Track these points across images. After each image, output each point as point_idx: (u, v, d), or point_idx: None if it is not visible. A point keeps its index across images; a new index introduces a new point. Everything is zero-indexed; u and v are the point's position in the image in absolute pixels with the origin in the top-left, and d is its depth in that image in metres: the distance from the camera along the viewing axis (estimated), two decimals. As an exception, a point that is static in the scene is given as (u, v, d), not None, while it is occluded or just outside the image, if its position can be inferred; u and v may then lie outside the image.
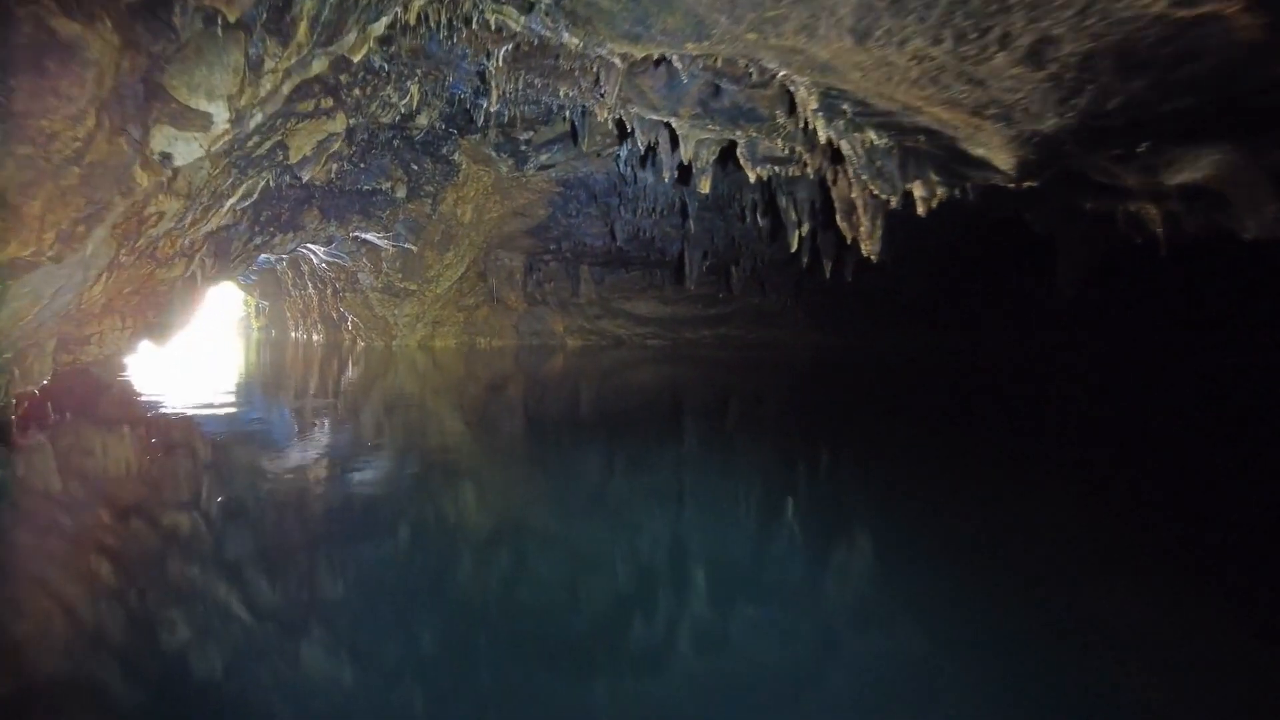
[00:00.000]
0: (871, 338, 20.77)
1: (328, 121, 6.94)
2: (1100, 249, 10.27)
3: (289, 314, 24.49)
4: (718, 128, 7.73)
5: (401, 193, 11.94)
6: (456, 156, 11.92)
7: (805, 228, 11.26)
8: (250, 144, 6.19)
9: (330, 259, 16.93)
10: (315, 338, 22.95)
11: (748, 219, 14.07)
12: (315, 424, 5.89)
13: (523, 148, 12.05)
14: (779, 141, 8.17)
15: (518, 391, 9.55)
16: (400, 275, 16.26)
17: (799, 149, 8.06)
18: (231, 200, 6.87)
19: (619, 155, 13.25)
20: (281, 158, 6.92)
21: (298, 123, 6.54)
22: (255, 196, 8.21)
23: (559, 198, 16.94)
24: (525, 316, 21.31)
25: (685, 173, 10.18)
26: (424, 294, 17.20)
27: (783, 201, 11.20)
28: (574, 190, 16.45)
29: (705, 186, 9.84)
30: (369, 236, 14.40)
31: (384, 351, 17.28)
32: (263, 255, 14.50)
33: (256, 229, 11.32)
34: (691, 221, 14.48)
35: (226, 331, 29.08)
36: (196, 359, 14.61)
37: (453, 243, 16.49)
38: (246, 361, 14.76)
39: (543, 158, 12.68)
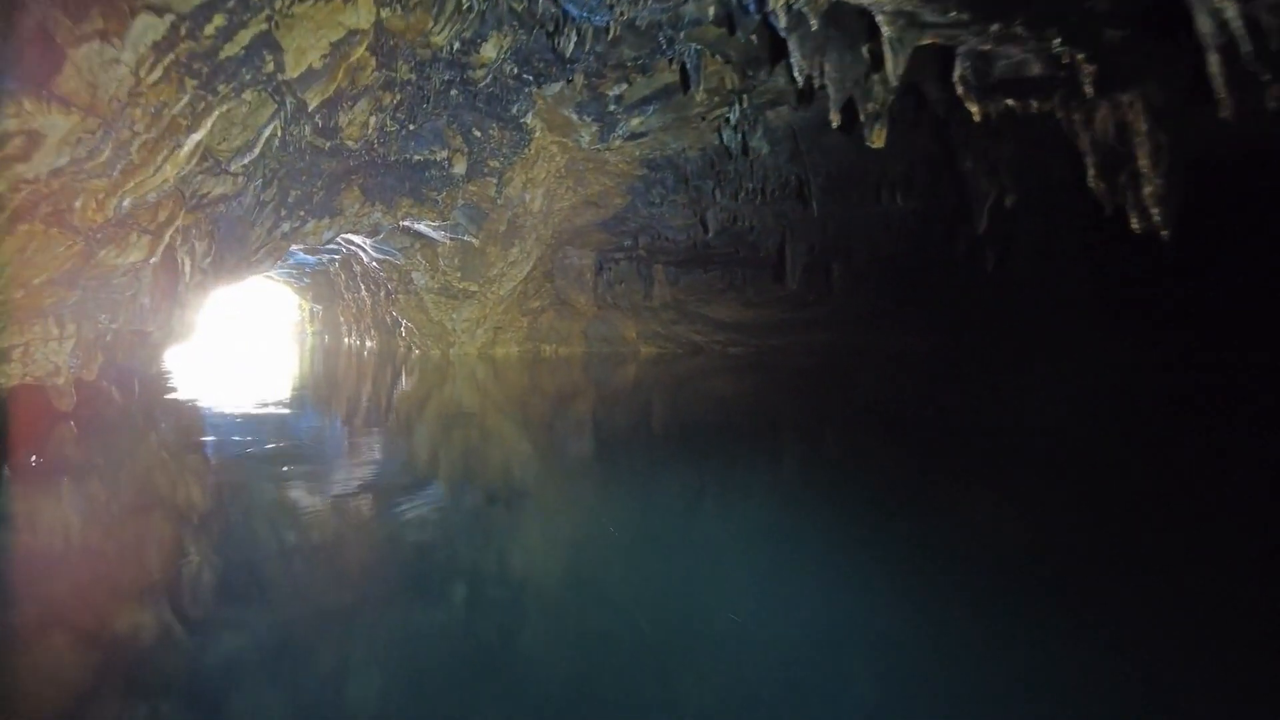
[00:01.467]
0: (1009, 345, 17.22)
1: (344, 9, 4.25)
2: None
3: (342, 318, 22.44)
4: (955, 20, 4.73)
5: (460, 167, 9.31)
6: (529, 120, 9.22)
7: (995, 200, 8.08)
8: (208, 33, 3.56)
9: (381, 256, 14.55)
10: (368, 344, 20.78)
11: (884, 198, 10.93)
12: (363, 445, 5.05)
13: (611, 107, 9.26)
14: (1035, 51, 5.09)
15: (589, 407, 7.88)
16: (459, 274, 13.74)
17: (1077, 57, 4.98)
18: (197, 136, 4.25)
19: (728, 119, 10.33)
20: (272, 67, 4.25)
21: (292, 3, 3.88)
22: (257, 151, 5.64)
23: (640, 183, 14.12)
24: (594, 321, 18.59)
25: (809, 138, 7.12)
26: (485, 296, 14.66)
27: (968, 165, 8.06)
28: (659, 173, 13.60)
29: (879, 139, 6.83)
30: (422, 227, 11.91)
31: (441, 360, 14.83)
32: (299, 249, 12.14)
33: (283, 213, 8.85)
34: (814, 203, 11.40)
35: (282, 336, 27.41)
36: (242, 366, 13.20)
37: (518, 236, 13.89)
38: (293, 371, 12.83)
39: (634, 122, 9.87)
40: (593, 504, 3.52)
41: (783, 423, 6.92)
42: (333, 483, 3.65)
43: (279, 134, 5.79)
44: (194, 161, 4.73)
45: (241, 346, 20.79)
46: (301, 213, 8.89)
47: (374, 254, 14.55)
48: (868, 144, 6.94)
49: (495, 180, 10.60)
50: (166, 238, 5.10)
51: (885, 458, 4.79)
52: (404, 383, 10.52)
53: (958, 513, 3.26)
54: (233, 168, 5.63)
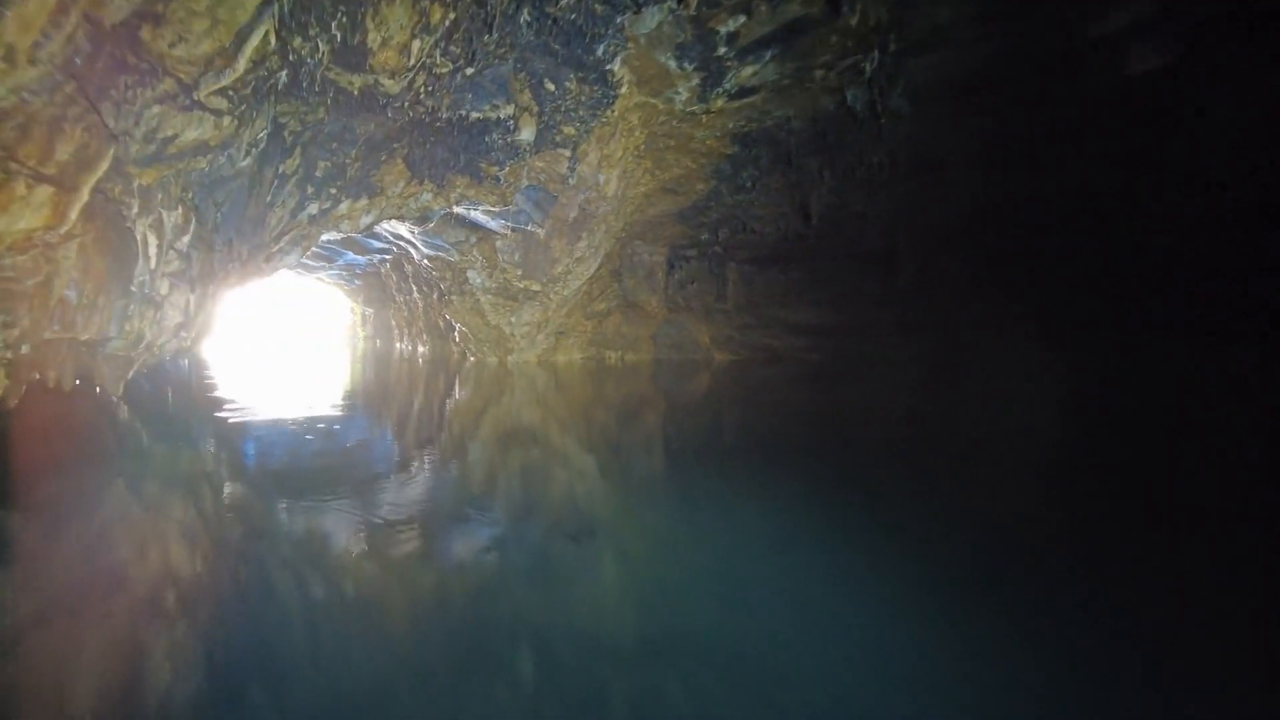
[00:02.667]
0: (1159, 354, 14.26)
1: None
2: None
3: (394, 322, 20.87)
4: None
5: (528, 131, 7.23)
6: (615, 67, 7.06)
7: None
8: None
9: (432, 252, 12.69)
10: (420, 350, 19.09)
11: (1069, 167, 8.33)
12: (411, 466, 3.99)
13: (721, 50, 7.02)
14: None
15: (663, 423, 6.57)
16: (519, 272, 11.74)
17: None
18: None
19: (861, 70, 7.94)
20: None
21: None
22: (240, 67, 3.58)
23: (727, 164, 11.83)
24: (664, 325, 16.37)
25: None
26: (547, 297, 12.63)
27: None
28: (753, 149, 11.28)
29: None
30: (479, 215, 9.94)
31: (498, 369, 12.89)
32: (334, 240, 10.31)
33: (310, 189, 6.91)
34: (957, 181, 8.86)
35: (335, 340, 26.18)
36: (289, 372, 12.20)
37: (587, 228, 11.80)
38: (340, 378, 11.34)
39: (745, 72, 7.58)
40: (674, 543, 2.80)
41: (886, 447, 5.37)
42: (376, 512, 2.96)
43: (275, 45, 3.75)
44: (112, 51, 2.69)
45: (290, 350, 19.40)
46: (333, 190, 6.95)
47: (425, 249, 12.68)
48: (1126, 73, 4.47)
49: (568, 154, 8.48)
50: (86, 193, 3.11)
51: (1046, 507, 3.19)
52: (458, 393, 8.79)
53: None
54: (206, 95, 3.62)
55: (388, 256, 19.56)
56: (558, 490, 3.69)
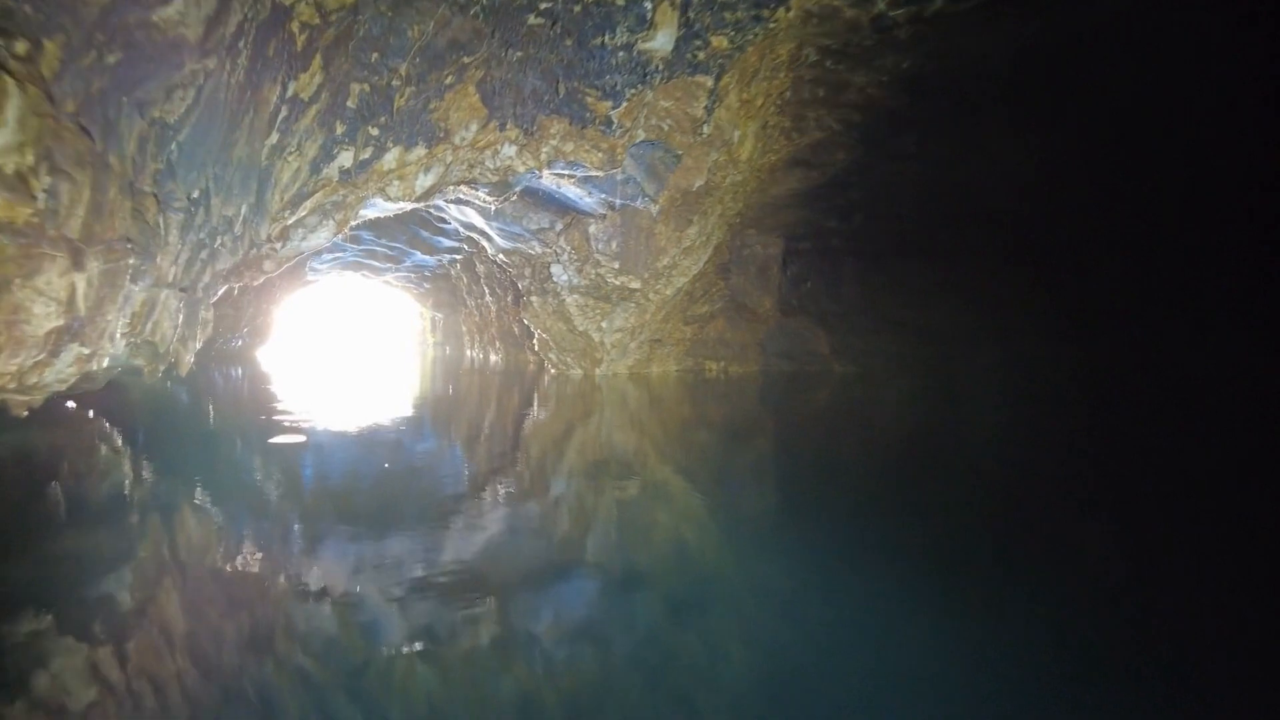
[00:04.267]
0: None
1: None
2: None
3: (464, 328, 18.83)
4: None
5: (664, 34, 4.57)
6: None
7: None
8: None
9: (509, 242, 10.30)
10: (493, 358, 16.90)
11: None
12: (482, 501, 3.18)
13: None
14: None
15: (786, 453, 4.87)
16: (617, 265, 9.18)
17: None
18: None
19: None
20: None
21: None
22: None
23: (885, 123, 8.91)
24: (775, 331, 13.47)
25: None
26: (646, 297, 10.03)
27: None
28: (930, 100, 8.34)
29: None
30: (570, 191, 7.41)
31: (583, 383, 10.42)
32: (375, 213, 8.08)
33: (339, 128, 4.52)
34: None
35: (405, 347, 24.50)
36: (351, 379, 11.02)
37: (701, 207, 9.13)
38: (406, 387, 9.89)
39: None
40: (817, 623, 1.98)
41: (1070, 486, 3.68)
42: (436, 565, 2.26)
43: None
44: None
45: (354, 359, 17.63)
46: (373, 130, 4.53)
47: (502, 241, 10.29)
48: None
49: (709, 84, 5.74)
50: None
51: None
52: (536, 410, 7.00)
53: None
54: None
55: (458, 256, 17.53)
56: (663, 541, 2.73)
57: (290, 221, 4.60)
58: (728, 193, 9.05)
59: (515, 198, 6.65)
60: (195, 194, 3.45)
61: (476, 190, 5.91)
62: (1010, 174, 10.22)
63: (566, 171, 6.29)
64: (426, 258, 17.61)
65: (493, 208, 6.67)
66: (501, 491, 3.40)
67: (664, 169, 6.89)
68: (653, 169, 6.85)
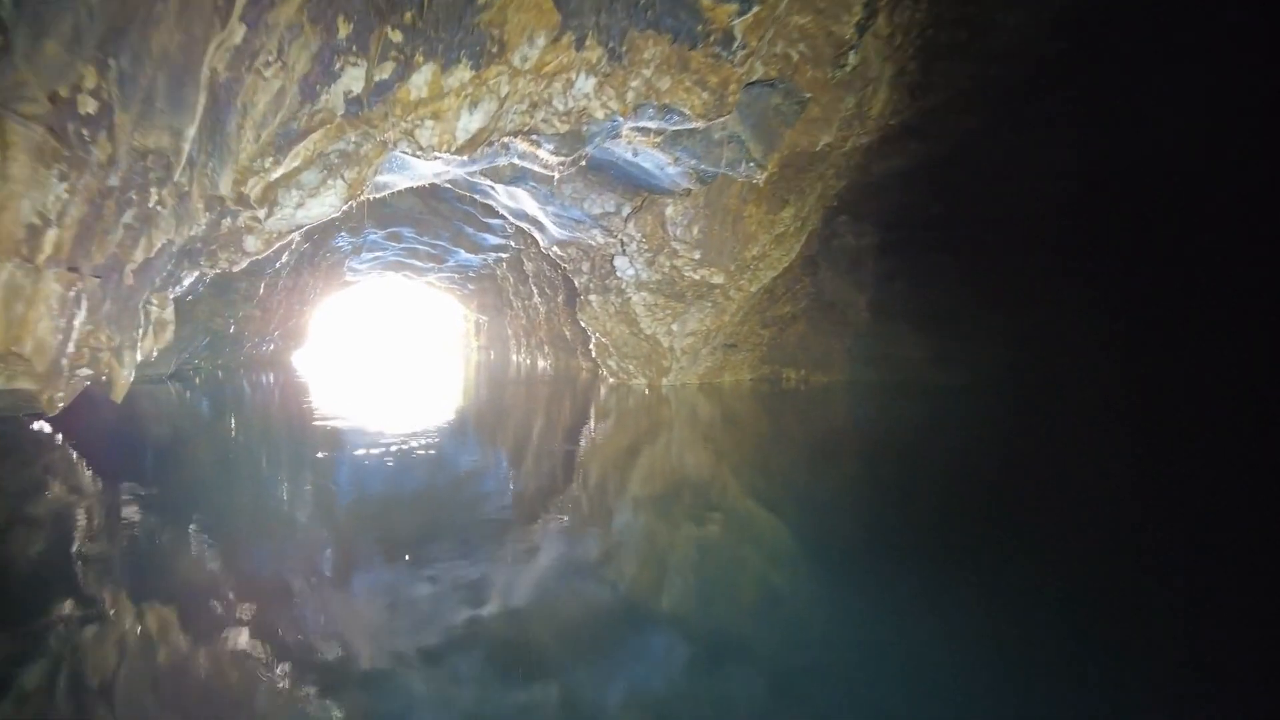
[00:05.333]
0: None
1: None
2: None
3: (510, 331, 17.44)
4: None
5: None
6: None
7: None
8: None
9: (566, 232, 8.72)
10: (541, 364, 15.43)
11: None
12: (533, 533, 2.70)
13: None
14: None
15: (899, 484, 4.01)
16: (697, 255, 7.48)
17: None
18: None
19: None
20: None
21: None
22: None
23: (1029, 75, 7.02)
24: (865, 335, 11.56)
25: None
26: (728, 295, 8.31)
27: None
28: (1092, 46, 6.43)
29: None
30: (650, 160, 5.75)
31: (648, 395, 8.79)
32: (396, 182, 6.60)
33: (340, 28, 3.01)
34: None
35: (448, 351, 23.32)
36: (387, 388, 10.06)
37: (801, 183, 7.39)
38: (446, 396, 8.99)
39: None
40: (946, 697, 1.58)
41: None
42: (480, 612, 1.87)
43: None
44: None
45: (393, 364, 16.42)
46: (394, 34, 2.98)
47: (557, 229, 8.71)
48: None
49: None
50: None
51: None
52: (595, 427, 6.02)
53: None
54: None
55: (504, 255, 16.14)
56: (755, 596, 2.18)
57: (276, 176, 3.07)
58: (835, 165, 7.26)
59: (584, 162, 5.02)
60: (67, 93, 1.90)
61: (538, 147, 4.31)
62: (1175, 152, 8.13)
63: (654, 124, 4.63)
64: (471, 256, 16.29)
65: (555, 176, 5.06)
66: (557, 525, 2.86)
67: (779, 123, 5.15)
68: (764, 123, 5.12)
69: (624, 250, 7.99)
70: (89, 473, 3.69)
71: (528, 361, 15.97)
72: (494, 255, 15.89)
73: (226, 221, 3.20)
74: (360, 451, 4.28)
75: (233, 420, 6.22)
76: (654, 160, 5.87)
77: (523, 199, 8.03)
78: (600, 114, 4.17)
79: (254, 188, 3.09)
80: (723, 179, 6.85)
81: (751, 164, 5.45)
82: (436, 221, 15.02)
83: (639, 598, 2.15)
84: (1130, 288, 10.93)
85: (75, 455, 4.28)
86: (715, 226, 7.24)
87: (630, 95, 4.16)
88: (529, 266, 13.72)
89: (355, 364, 15.55)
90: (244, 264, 3.55)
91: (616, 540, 2.75)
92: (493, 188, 8.18)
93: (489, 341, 18.87)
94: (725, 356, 10.19)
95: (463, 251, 15.85)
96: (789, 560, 2.65)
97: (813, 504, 3.50)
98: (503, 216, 12.87)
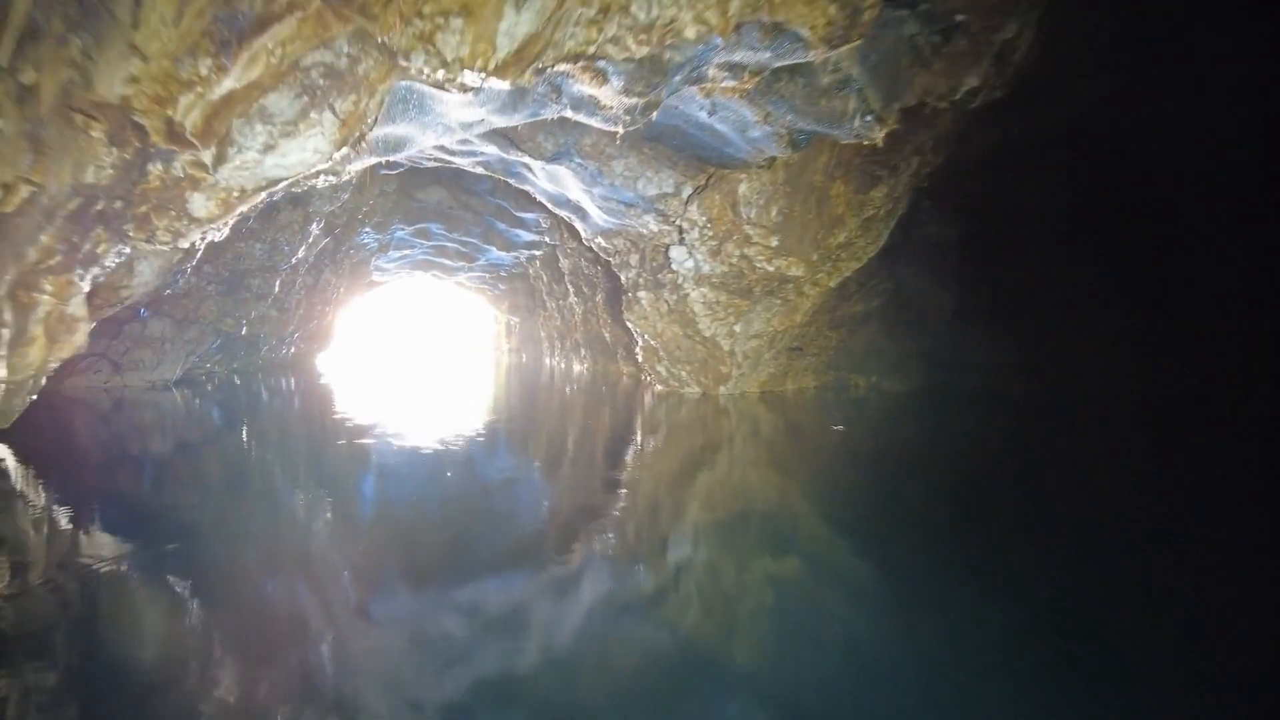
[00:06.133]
0: None
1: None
2: None
3: (543, 333, 16.37)
4: None
5: None
6: None
7: None
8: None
9: (613, 218, 7.52)
10: (577, 368, 14.30)
11: None
12: (579, 574, 2.22)
13: None
14: None
15: (1005, 515, 3.23)
16: (775, 242, 6.24)
17: None
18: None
19: None
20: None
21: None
22: None
23: (1194, 12, 5.62)
24: (941, 338, 10.16)
25: None
26: (802, 290, 7.03)
27: None
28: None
29: None
30: (734, 113, 4.55)
31: (702, 404, 7.57)
32: (410, 154, 5.45)
33: None
34: None
35: (477, 353, 22.40)
36: (413, 392, 9.19)
37: (895, 159, 6.11)
38: (476, 402, 8.03)
39: None
40: None
41: None
42: (515, 661, 1.59)
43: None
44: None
45: (421, 364, 15.48)
46: None
47: (602, 216, 7.54)
48: None
49: None
50: None
51: None
52: (643, 440, 4.98)
53: None
54: None
55: (537, 252, 15.07)
56: (838, 650, 1.72)
57: (222, 92, 1.95)
58: (937, 134, 5.96)
59: (653, 115, 3.82)
60: None
61: (603, 82, 3.13)
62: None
63: (755, 56, 3.40)
64: (503, 254, 15.25)
65: (618, 132, 3.87)
66: (610, 557, 2.29)
67: (911, 62, 3.87)
68: (890, 62, 3.86)
69: (682, 238, 6.78)
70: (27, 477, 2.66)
71: (562, 365, 14.87)
72: (527, 253, 14.84)
73: (155, 169, 2.07)
74: (384, 466, 3.61)
75: (231, 431, 5.20)
76: (736, 118, 4.65)
77: (565, 180, 6.88)
78: (691, 32, 2.97)
79: (190, 112, 1.96)
80: (809, 151, 5.60)
81: (868, 118, 4.19)
82: (467, 217, 14.00)
83: (704, 649, 1.79)
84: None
85: (18, 463, 3.25)
86: (797, 207, 5.98)
87: (735, 6, 2.94)
88: (565, 263, 12.61)
89: (381, 367, 14.61)
90: (194, 236, 2.44)
91: (676, 577, 2.31)
92: (530, 168, 7.05)
93: (520, 344, 17.85)
94: (789, 361, 8.91)
95: (494, 249, 14.83)
96: (879, 608, 2.15)
97: (905, 540, 2.84)
98: (538, 209, 11.77)
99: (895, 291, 9.20)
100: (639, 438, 5.33)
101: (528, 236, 14.11)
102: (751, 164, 5.53)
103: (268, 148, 2.27)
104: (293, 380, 10.34)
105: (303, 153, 2.39)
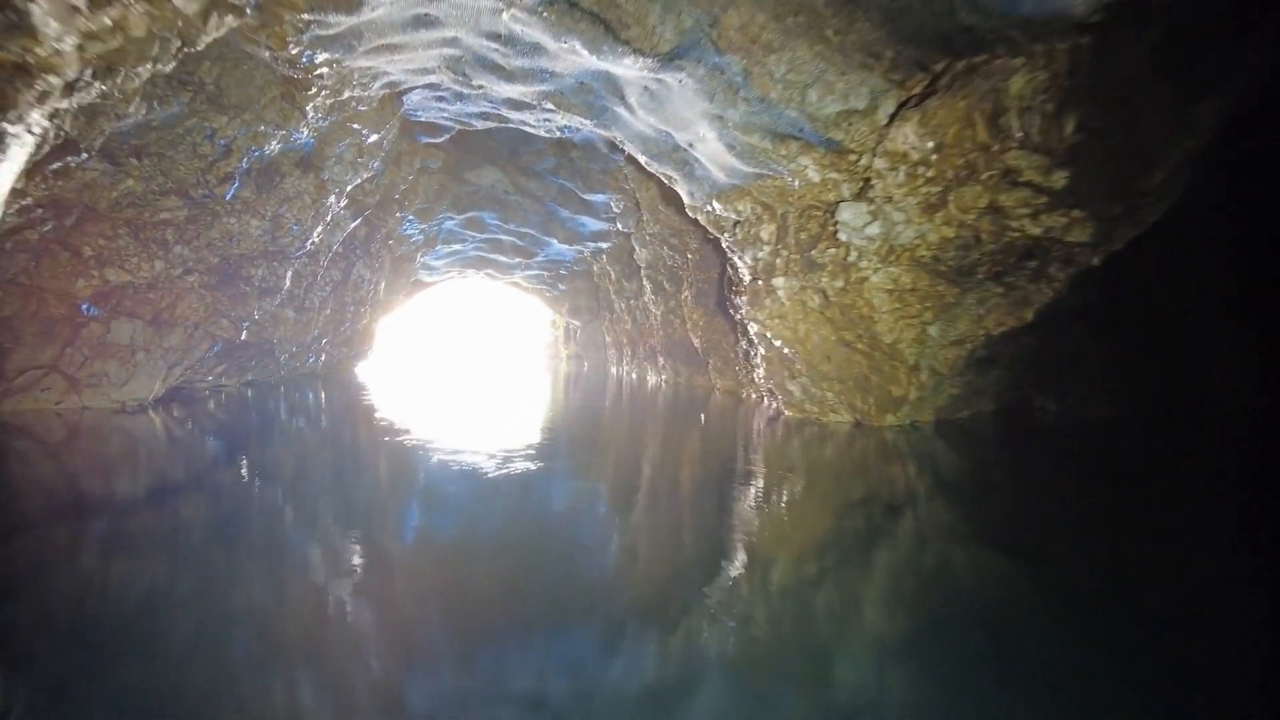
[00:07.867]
0: None
1: None
2: None
3: (609, 338, 14.02)
4: None
5: None
6: None
7: None
8: None
9: (747, 166, 4.92)
10: (651, 379, 11.85)
11: None
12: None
13: None
14: None
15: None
16: (1062, 179, 3.68)
17: None
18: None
19: None
20: None
21: None
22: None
23: None
24: (1189, 344, 7.23)
25: None
26: (1064, 268, 4.41)
27: None
28: None
29: None
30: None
31: (861, 439, 5.00)
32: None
33: None
34: None
35: (533, 360, 20.26)
36: (459, 412, 6.90)
37: (1231, 55, 3.52)
38: (532, 424, 5.89)
39: None
40: None
41: None
42: None
43: None
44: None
45: (470, 374, 13.33)
46: None
47: (730, 163, 5.01)
48: None
49: None
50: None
51: None
52: (781, 492, 2.82)
53: None
54: None
55: (604, 245, 12.70)
56: None
57: None
58: None
59: None
60: None
61: None
62: None
63: None
64: (564, 248, 13.02)
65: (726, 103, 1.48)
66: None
67: None
68: None
69: (866, 189, 4.22)
70: None
71: (633, 375, 12.44)
72: (593, 245, 12.52)
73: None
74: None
75: (219, 470, 2.98)
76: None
77: (678, 105, 4.42)
78: None
79: None
80: (1120, 23, 3.01)
81: None
82: (525, 203, 11.78)
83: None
84: None
85: None
86: (1099, 120, 3.34)
87: None
88: (642, 254, 10.20)
89: (426, 378, 12.49)
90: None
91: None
92: (625, 94, 4.65)
93: (581, 349, 15.54)
94: (975, 378, 6.19)
95: (555, 241, 12.57)
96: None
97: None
98: (610, 188, 9.41)
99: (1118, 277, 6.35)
100: (759, 468, 2.83)
101: (595, 225, 11.79)
102: (1052, 30, 2.92)
103: None
104: (322, 395, 8.26)
105: None
